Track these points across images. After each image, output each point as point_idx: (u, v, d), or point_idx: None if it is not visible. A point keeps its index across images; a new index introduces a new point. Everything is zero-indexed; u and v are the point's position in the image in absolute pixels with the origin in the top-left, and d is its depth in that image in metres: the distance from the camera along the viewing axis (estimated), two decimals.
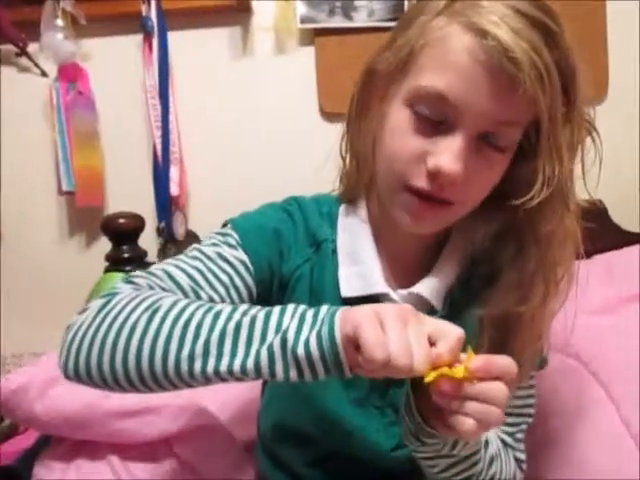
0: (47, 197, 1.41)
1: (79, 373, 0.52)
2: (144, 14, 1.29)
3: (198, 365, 0.49)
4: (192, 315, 0.51)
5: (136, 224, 1.27)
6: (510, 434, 0.70)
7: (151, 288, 0.58)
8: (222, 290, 0.62)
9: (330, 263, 0.69)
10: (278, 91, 1.37)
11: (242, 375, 0.49)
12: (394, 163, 0.60)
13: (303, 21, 1.32)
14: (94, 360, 0.51)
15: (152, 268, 0.61)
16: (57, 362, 0.54)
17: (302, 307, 0.51)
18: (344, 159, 0.71)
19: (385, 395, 0.68)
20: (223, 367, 0.49)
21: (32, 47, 1.35)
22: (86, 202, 1.35)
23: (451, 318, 0.64)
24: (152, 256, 1.34)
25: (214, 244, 0.66)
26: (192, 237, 1.38)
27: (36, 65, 1.36)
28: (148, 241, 1.33)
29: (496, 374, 0.48)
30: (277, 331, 0.49)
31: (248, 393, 0.95)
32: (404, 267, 0.69)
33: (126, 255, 1.25)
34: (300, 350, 0.47)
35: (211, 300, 0.60)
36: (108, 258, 1.26)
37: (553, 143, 0.56)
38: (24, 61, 1.37)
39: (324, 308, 0.50)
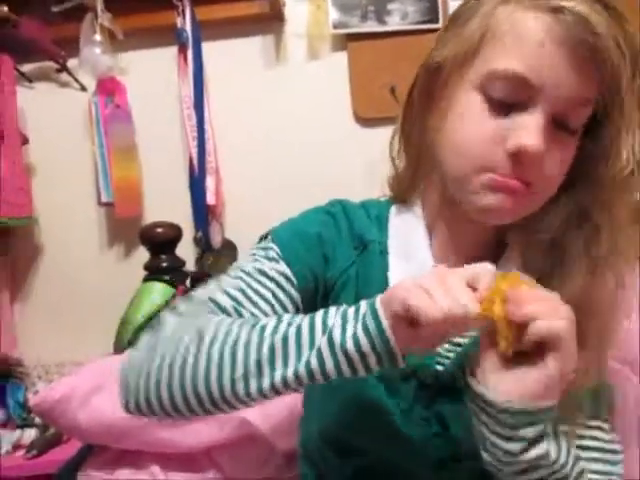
0: (87, 208, 1.44)
1: (140, 408, 0.54)
2: (179, 26, 1.32)
3: (254, 383, 0.50)
4: (238, 335, 0.52)
5: (174, 233, 1.29)
6: (599, 428, 0.63)
7: (196, 314, 0.58)
8: (266, 307, 0.62)
9: (378, 264, 0.66)
10: (312, 97, 1.37)
11: (297, 385, 0.50)
12: (470, 148, 0.57)
13: (336, 26, 1.32)
14: (153, 394, 0.52)
15: (195, 293, 0.62)
16: (120, 401, 0.56)
17: (343, 306, 0.51)
18: (394, 160, 0.70)
19: (431, 406, 0.66)
20: (278, 381, 0.50)
21: (71, 62, 1.39)
22: (125, 212, 1.38)
23: None
24: (190, 265, 1.35)
25: (255, 259, 0.65)
26: (229, 246, 1.39)
27: (75, 80, 1.40)
28: (186, 250, 1.34)
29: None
30: (323, 332, 0.49)
31: (289, 402, 0.95)
32: (465, 265, 0.67)
33: (164, 264, 1.27)
34: (349, 345, 0.48)
35: (254, 317, 0.60)
36: (147, 267, 1.28)
37: (634, 117, 0.55)
38: (64, 76, 1.41)
39: (363, 302, 0.51)
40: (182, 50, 1.33)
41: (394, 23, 1.30)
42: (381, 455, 0.67)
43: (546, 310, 0.47)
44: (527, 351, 0.49)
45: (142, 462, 0.91)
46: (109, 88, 1.36)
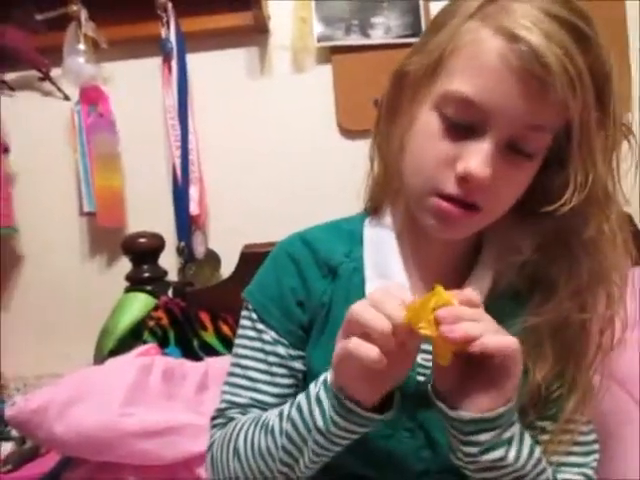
0: (68, 218, 1.42)
1: None
2: (163, 37, 1.32)
3: (292, 475, 0.60)
4: (260, 444, 0.61)
5: (156, 243, 1.28)
6: (583, 474, 0.65)
7: (231, 419, 0.69)
8: (276, 379, 0.69)
9: (353, 282, 0.68)
10: (297, 109, 1.38)
11: (318, 464, 0.59)
12: (422, 168, 0.59)
13: (320, 39, 1.33)
14: None
15: (220, 402, 0.72)
16: None
17: (319, 384, 0.58)
18: (372, 165, 0.71)
19: (415, 416, 0.66)
20: (303, 468, 0.59)
21: (54, 72, 1.38)
22: (107, 222, 1.37)
23: None
24: (172, 275, 1.34)
25: (247, 337, 0.71)
26: (212, 256, 1.38)
27: (58, 89, 1.39)
28: (169, 260, 1.33)
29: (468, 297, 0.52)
30: (311, 420, 0.57)
31: None
32: (436, 278, 0.68)
33: (146, 275, 1.26)
34: (334, 430, 0.55)
35: (271, 393, 0.69)
36: (129, 278, 1.27)
37: (585, 149, 0.54)
38: (47, 85, 1.40)
39: (329, 375, 0.57)
40: (166, 60, 1.33)
41: (378, 37, 1.32)
42: (362, 469, 0.67)
43: (484, 327, 0.50)
44: (472, 359, 0.52)
45: (121, 474, 0.90)
46: (92, 97, 1.36)
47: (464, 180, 0.56)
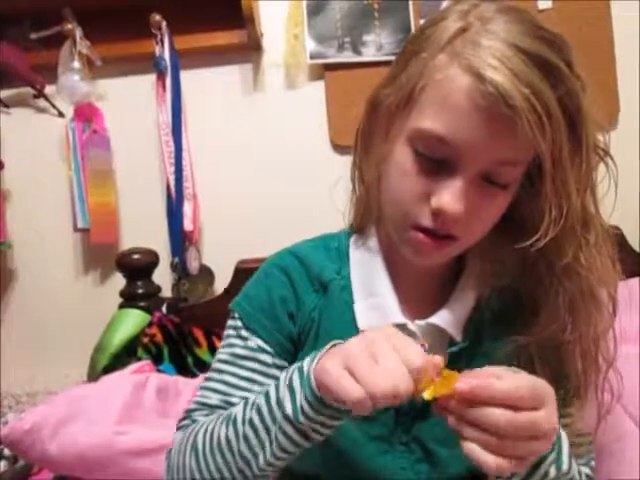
0: (62, 234, 1.42)
1: None
2: (157, 54, 1.33)
3: (249, 473, 0.56)
4: (219, 435, 0.58)
5: (150, 260, 1.28)
6: (586, 465, 0.65)
7: (195, 422, 0.65)
8: (252, 386, 0.66)
9: (341, 300, 0.68)
10: (290, 125, 1.39)
11: (279, 461, 0.55)
12: (399, 202, 0.60)
13: (313, 57, 1.34)
14: None
15: (191, 404, 0.69)
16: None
17: (290, 372, 0.55)
18: (354, 185, 0.71)
19: (410, 430, 0.66)
20: (262, 464, 0.55)
21: (49, 89, 1.39)
22: (101, 239, 1.37)
23: (473, 347, 0.63)
24: (166, 291, 1.34)
25: (229, 345, 0.69)
26: (206, 272, 1.38)
27: (53, 106, 1.40)
28: (162, 276, 1.34)
29: (486, 399, 0.47)
30: (279, 408, 0.54)
31: None
32: (420, 297, 0.68)
33: (140, 291, 1.26)
34: (302, 419, 0.52)
35: (242, 397, 0.65)
36: (122, 294, 1.27)
37: (559, 182, 0.55)
38: (41, 102, 1.41)
39: (305, 366, 0.54)
40: (160, 78, 1.34)
41: (369, 54, 1.34)
42: None
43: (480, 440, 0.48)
44: None
45: None
46: (87, 114, 1.37)
47: (438, 215, 0.57)
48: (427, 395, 0.48)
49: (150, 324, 1.18)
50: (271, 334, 0.67)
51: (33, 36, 1.34)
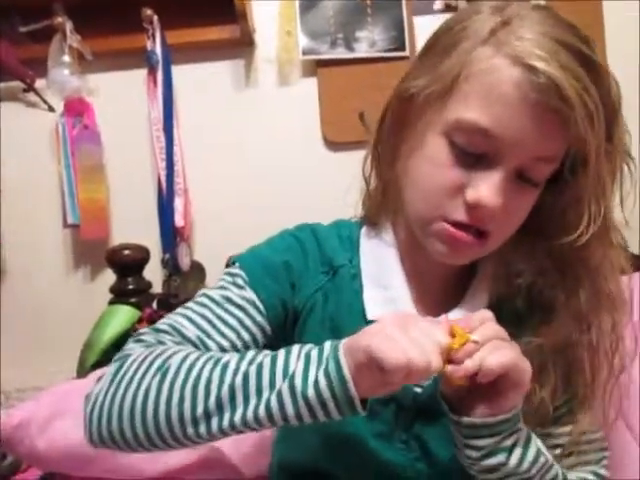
0: (52, 230, 1.41)
1: (104, 440, 0.54)
2: (149, 49, 1.32)
3: (215, 422, 0.50)
4: (200, 372, 0.52)
5: (141, 256, 1.27)
6: (593, 472, 0.65)
7: (161, 344, 0.58)
8: (232, 335, 0.61)
9: (350, 288, 0.67)
10: (282, 122, 1.38)
11: (257, 425, 0.50)
12: (430, 195, 0.59)
13: (305, 53, 1.34)
14: (115, 427, 0.53)
15: (160, 323, 0.62)
16: (84, 432, 0.56)
17: (307, 346, 0.51)
18: (367, 181, 0.70)
19: (411, 428, 0.65)
20: (238, 420, 0.50)
21: (39, 83, 1.37)
22: (91, 234, 1.36)
23: None
24: (157, 287, 1.34)
25: (222, 287, 0.65)
26: (197, 268, 1.38)
27: (43, 100, 1.38)
28: (153, 272, 1.33)
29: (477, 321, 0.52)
30: (285, 375, 0.49)
31: None
32: (434, 294, 0.67)
33: (131, 287, 1.25)
34: (310, 392, 0.48)
35: (221, 347, 0.60)
36: (113, 290, 1.26)
37: (598, 179, 0.55)
38: (31, 97, 1.39)
39: (327, 344, 0.50)
40: (152, 73, 1.33)
41: (362, 50, 1.33)
42: None
43: (487, 351, 0.50)
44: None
45: None
46: (77, 109, 1.35)
47: (475, 208, 0.56)
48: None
49: (140, 320, 1.18)
50: (269, 294, 0.64)
51: (22, 29, 1.32)
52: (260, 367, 0.51)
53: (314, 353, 0.50)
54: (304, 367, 0.49)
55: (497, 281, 0.66)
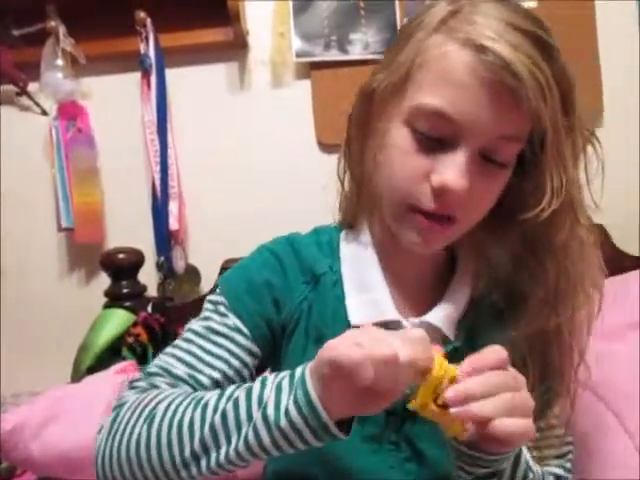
0: (46, 233, 1.41)
1: None
2: (142, 52, 1.32)
3: (204, 462, 0.51)
4: (183, 415, 0.53)
5: (135, 259, 1.27)
6: (560, 466, 0.66)
7: (155, 387, 0.60)
8: (222, 365, 0.62)
9: (332, 295, 0.67)
10: (276, 124, 1.38)
11: (240, 460, 0.50)
12: (397, 184, 0.59)
13: (299, 55, 1.34)
14: (118, 474, 0.55)
15: (151, 365, 0.63)
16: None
17: (282, 374, 0.51)
18: (342, 182, 0.71)
19: (400, 429, 0.65)
20: (222, 459, 0.50)
21: (32, 86, 1.37)
22: (85, 238, 1.35)
23: (466, 346, 0.62)
24: (152, 291, 1.33)
25: (205, 317, 0.66)
26: (192, 271, 1.37)
27: (36, 104, 1.38)
28: (148, 276, 1.32)
29: (489, 367, 0.48)
30: (259, 406, 0.49)
31: None
32: (414, 294, 0.68)
33: (125, 290, 1.25)
34: (283, 422, 0.48)
35: (212, 379, 0.61)
36: (107, 294, 1.26)
37: (557, 154, 0.55)
38: (25, 100, 1.39)
39: (299, 369, 0.50)
40: (145, 76, 1.33)
41: (356, 52, 1.34)
42: None
43: (498, 411, 0.47)
44: None
45: None
46: (71, 112, 1.35)
47: (440, 193, 0.56)
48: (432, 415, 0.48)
49: (135, 324, 1.17)
50: (251, 316, 0.65)
51: (16, 33, 1.32)
52: (236, 402, 0.51)
53: (285, 381, 0.50)
54: (275, 396, 0.49)
55: (477, 277, 0.66)
